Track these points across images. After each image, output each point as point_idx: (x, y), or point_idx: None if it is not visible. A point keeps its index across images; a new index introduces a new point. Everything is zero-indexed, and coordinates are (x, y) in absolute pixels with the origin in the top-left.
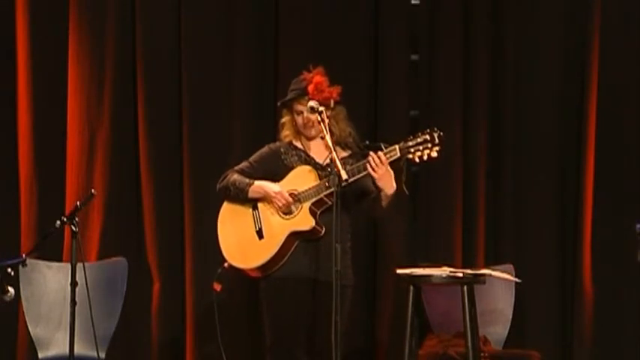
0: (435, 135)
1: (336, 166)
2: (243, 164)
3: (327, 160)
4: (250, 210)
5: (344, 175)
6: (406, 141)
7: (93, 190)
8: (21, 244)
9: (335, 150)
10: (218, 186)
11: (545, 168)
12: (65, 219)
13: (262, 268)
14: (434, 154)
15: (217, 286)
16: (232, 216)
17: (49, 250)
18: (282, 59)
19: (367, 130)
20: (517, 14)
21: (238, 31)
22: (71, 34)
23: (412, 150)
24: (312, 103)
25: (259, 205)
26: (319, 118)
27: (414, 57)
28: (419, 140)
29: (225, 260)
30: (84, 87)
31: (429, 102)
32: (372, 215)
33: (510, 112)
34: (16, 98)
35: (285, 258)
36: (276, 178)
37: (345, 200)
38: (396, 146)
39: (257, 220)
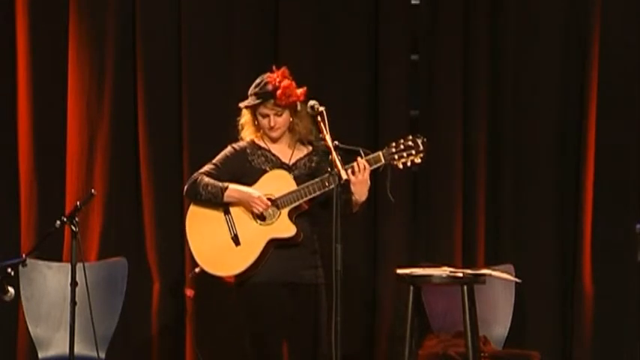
0: (419, 141)
1: (336, 166)
2: (209, 166)
3: (293, 160)
4: (222, 215)
5: (344, 175)
6: (389, 147)
7: (93, 190)
8: (21, 244)
9: (332, 151)
10: (187, 189)
11: (545, 168)
12: (65, 219)
13: (239, 274)
14: (417, 160)
15: (190, 292)
16: (203, 221)
17: (49, 250)
18: (282, 60)
19: (367, 130)
20: (517, 14)
21: (238, 31)
22: (71, 34)
23: (396, 157)
24: (312, 103)
25: (232, 209)
26: (319, 118)
27: (414, 57)
28: (402, 147)
29: (196, 265)
30: (84, 87)
31: (429, 102)
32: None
33: (510, 112)
34: (16, 98)
35: (261, 264)
36: (242, 179)
37: (315, 203)
38: (380, 153)
39: (231, 225)
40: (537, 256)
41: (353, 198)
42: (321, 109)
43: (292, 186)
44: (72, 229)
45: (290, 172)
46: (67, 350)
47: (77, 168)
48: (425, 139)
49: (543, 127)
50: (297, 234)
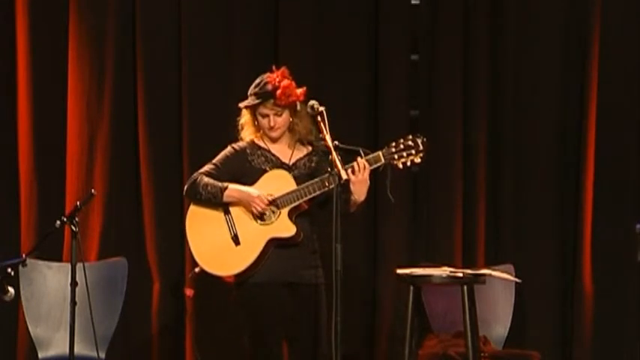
0: (419, 141)
1: (336, 166)
2: (209, 166)
3: (293, 160)
4: (222, 214)
5: (344, 175)
6: (389, 147)
7: (93, 190)
8: (21, 244)
9: (332, 151)
10: (187, 189)
11: (545, 168)
12: (65, 219)
13: (239, 274)
14: (417, 160)
15: (189, 292)
16: (203, 221)
17: (49, 250)
18: (282, 60)
19: (367, 130)
20: (517, 14)
21: (238, 31)
22: (71, 34)
23: (396, 156)
24: (312, 103)
25: (232, 209)
26: (319, 118)
27: (414, 57)
28: (402, 147)
29: (196, 265)
30: (84, 87)
31: (429, 102)
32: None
33: (510, 112)
34: (16, 98)
35: (261, 264)
36: (242, 179)
37: (313, 202)
38: (380, 153)
39: (231, 225)
40: (537, 256)
41: (352, 198)
42: (321, 109)
43: (292, 186)
44: (72, 229)
45: (290, 172)
46: (67, 350)
47: (77, 168)
48: (425, 139)
49: (543, 127)
50: (297, 234)
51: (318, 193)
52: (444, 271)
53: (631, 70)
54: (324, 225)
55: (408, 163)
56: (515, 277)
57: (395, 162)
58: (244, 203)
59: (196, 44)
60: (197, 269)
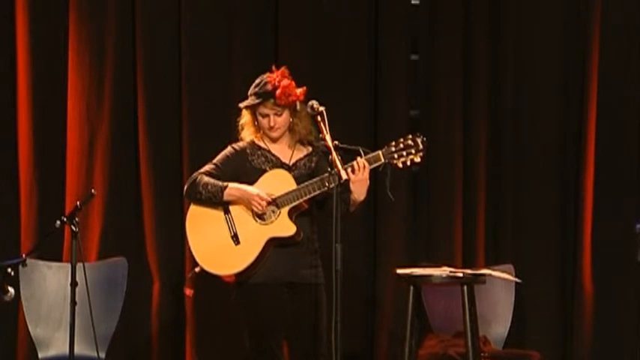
0: (419, 140)
1: (336, 166)
2: (209, 166)
3: (293, 160)
4: (222, 214)
5: (344, 175)
6: (389, 146)
7: (93, 190)
8: (21, 244)
9: (332, 151)
10: (187, 190)
11: (545, 168)
12: (65, 219)
13: (239, 273)
14: (417, 159)
15: (189, 291)
16: (203, 220)
17: (49, 250)
18: (281, 60)
19: (367, 130)
20: (517, 14)
21: (238, 32)
22: (71, 34)
23: (396, 156)
24: (312, 102)
25: (232, 209)
26: (319, 118)
27: (414, 57)
28: (402, 146)
29: (196, 265)
30: (84, 87)
31: (429, 102)
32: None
33: (510, 112)
34: (16, 98)
35: (261, 263)
36: (242, 179)
37: (313, 202)
38: (379, 152)
39: (231, 224)
40: (537, 256)
41: (351, 197)
42: (321, 108)
43: (292, 185)
44: (72, 229)
45: (290, 173)
46: (67, 350)
47: (77, 168)
48: (424, 138)
49: (543, 128)
50: (296, 233)
51: (317, 192)
52: (444, 271)
53: (631, 70)
54: (324, 224)
55: (408, 163)
56: (515, 277)
57: (395, 161)
58: (244, 201)
59: (196, 44)
60: (197, 269)
